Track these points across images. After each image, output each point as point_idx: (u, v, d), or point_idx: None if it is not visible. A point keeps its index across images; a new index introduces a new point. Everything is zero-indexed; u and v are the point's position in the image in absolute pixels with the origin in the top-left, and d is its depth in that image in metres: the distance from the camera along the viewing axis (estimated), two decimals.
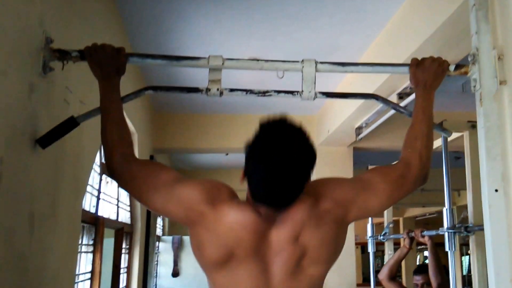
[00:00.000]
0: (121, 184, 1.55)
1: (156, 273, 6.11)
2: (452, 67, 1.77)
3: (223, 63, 1.67)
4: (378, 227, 4.17)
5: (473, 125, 2.67)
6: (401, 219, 12.47)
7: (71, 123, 1.61)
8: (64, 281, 2.01)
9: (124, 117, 1.59)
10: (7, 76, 1.36)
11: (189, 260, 6.29)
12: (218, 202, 1.40)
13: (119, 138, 1.53)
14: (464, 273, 11.89)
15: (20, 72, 1.46)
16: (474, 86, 1.76)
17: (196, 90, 1.72)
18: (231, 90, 1.72)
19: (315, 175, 1.45)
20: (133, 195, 1.59)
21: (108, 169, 1.54)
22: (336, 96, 1.88)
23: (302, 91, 1.70)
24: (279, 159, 1.27)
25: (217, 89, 1.68)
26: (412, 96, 3.12)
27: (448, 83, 3.69)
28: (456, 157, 5.36)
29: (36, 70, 1.56)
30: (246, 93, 1.63)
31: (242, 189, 1.45)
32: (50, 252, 1.78)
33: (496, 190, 1.77)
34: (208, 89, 1.69)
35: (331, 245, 1.43)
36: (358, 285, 5.90)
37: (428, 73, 1.67)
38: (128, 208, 4.08)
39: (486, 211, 1.78)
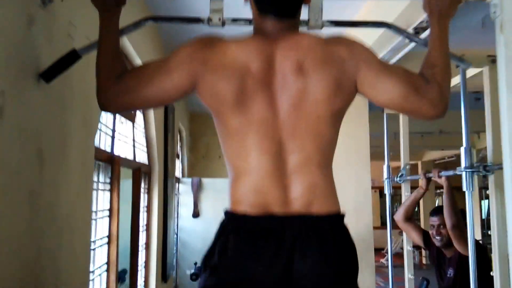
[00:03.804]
0: (118, 102, 1.44)
1: (177, 214, 6.20)
2: None
3: None
4: (394, 171, 4.09)
5: (493, 60, 2.54)
6: (419, 163, 12.40)
7: (73, 56, 1.55)
8: (79, 217, 2.01)
9: (120, 50, 1.49)
10: (3, 6, 1.29)
11: (209, 202, 6.36)
12: (215, 42, 1.39)
13: (113, 68, 1.43)
14: (484, 216, 11.88)
15: (17, 3, 1.39)
16: (494, 12, 1.64)
17: (197, 20, 1.64)
18: (234, 20, 1.64)
19: None
20: (136, 102, 1.46)
21: (102, 102, 1.43)
22: (345, 25, 1.76)
23: (309, 19, 1.61)
24: None
25: (219, 19, 1.60)
26: (429, 31, 2.98)
27: (467, 17, 3.52)
28: (476, 98, 5.20)
29: (35, 1, 1.49)
30: (250, 23, 1.53)
31: None
32: (63, 189, 1.77)
33: None
34: (209, 19, 1.61)
35: (333, 90, 1.36)
36: (376, 228, 5.93)
37: (442, 0, 1.54)
38: (145, 149, 4.07)
39: (506, 148, 1.70)
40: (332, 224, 1.35)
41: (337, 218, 1.37)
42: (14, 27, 1.37)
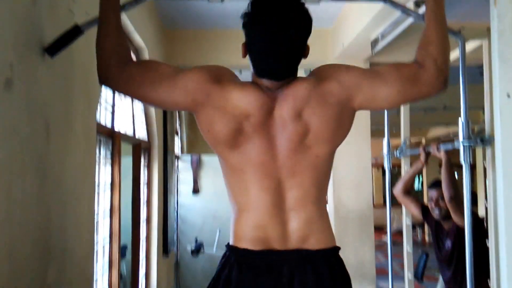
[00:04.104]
0: (119, 89, 1.55)
1: (177, 190, 6.31)
2: None
3: None
4: (395, 149, 4.16)
5: None
6: (423, 140, 12.43)
7: (75, 31, 1.64)
8: (84, 189, 2.13)
9: (121, 26, 1.57)
10: None
11: (208, 178, 6.47)
12: (223, 81, 1.48)
13: (116, 45, 1.51)
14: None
15: None
16: None
17: None
18: None
19: None
20: (134, 96, 1.57)
21: (101, 77, 1.52)
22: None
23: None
24: (275, 23, 1.37)
25: None
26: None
27: None
28: (481, 72, 5.23)
29: None
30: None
31: None
32: (68, 159, 1.87)
33: (508, 96, 1.77)
34: None
35: (333, 125, 1.48)
36: (378, 206, 6.01)
37: None
38: (145, 126, 4.16)
39: (497, 116, 1.78)
40: (328, 258, 1.49)
41: (332, 251, 1.51)
42: (20, 4, 1.46)
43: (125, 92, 1.57)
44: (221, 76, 1.49)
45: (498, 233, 2.30)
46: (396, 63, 1.57)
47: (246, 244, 1.47)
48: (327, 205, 4.61)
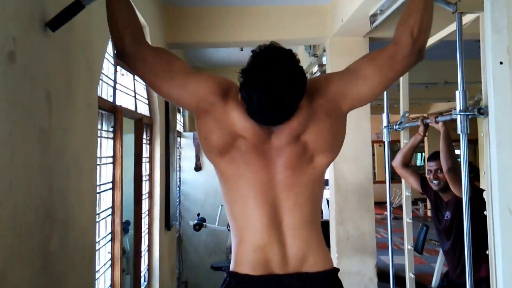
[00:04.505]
0: (133, 66, 1.61)
1: (179, 167, 6.37)
2: None
3: None
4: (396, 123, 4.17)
5: None
6: (426, 115, 12.41)
7: (77, 6, 1.67)
8: (86, 161, 2.17)
9: (131, 1, 1.62)
10: None
11: None
12: (228, 97, 1.52)
13: (128, 19, 1.57)
14: None
15: None
16: None
17: None
18: None
19: (330, 69, 1.45)
20: (145, 79, 1.64)
21: (119, 52, 1.60)
22: None
23: None
24: (271, 86, 1.36)
25: None
26: None
27: None
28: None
29: None
30: None
31: None
32: (69, 131, 1.92)
33: (501, 63, 1.80)
34: None
35: (328, 135, 1.53)
36: (381, 181, 6.01)
37: None
38: (146, 101, 4.19)
39: (490, 83, 1.81)
40: (327, 280, 1.52)
41: (331, 273, 1.54)
42: None
43: (137, 73, 1.64)
44: (228, 91, 1.53)
45: (492, 204, 2.35)
46: (372, 52, 1.62)
47: (246, 269, 1.50)
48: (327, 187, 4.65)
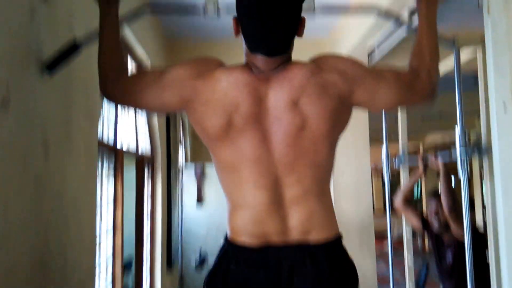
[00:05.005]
0: (117, 100, 1.54)
1: (181, 200, 6.25)
2: None
3: None
4: (395, 154, 4.11)
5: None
6: (421, 145, 12.35)
7: (73, 48, 1.60)
8: (85, 204, 2.06)
9: (119, 41, 1.54)
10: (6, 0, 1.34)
11: (212, 187, 6.39)
12: (208, 72, 1.40)
13: (113, 61, 1.51)
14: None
15: None
16: None
17: (193, 10, 1.67)
18: (229, 9, 1.65)
19: None
20: (132, 105, 1.54)
21: (102, 92, 1.53)
22: (336, 12, 1.79)
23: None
24: None
25: (214, 8, 1.64)
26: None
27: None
28: (476, 81, 5.18)
29: None
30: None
31: None
32: (68, 176, 1.82)
33: (505, 104, 1.71)
34: (205, 9, 1.65)
35: (331, 120, 1.38)
36: (379, 213, 5.92)
37: None
38: (148, 138, 4.12)
39: (494, 126, 1.73)
40: (329, 250, 1.39)
41: (334, 243, 1.41)
42: (17, 20, 1.41)
43: (122, 103, 1.54)
44: (206, 67, 1.42)
45: (498, 244, 2.26)
46: (396, 68, 1.51)
47: (244, 238, 1.38)
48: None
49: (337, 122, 1.41)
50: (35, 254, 1.50)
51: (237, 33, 1.41)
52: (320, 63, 1.41)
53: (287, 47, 1.39)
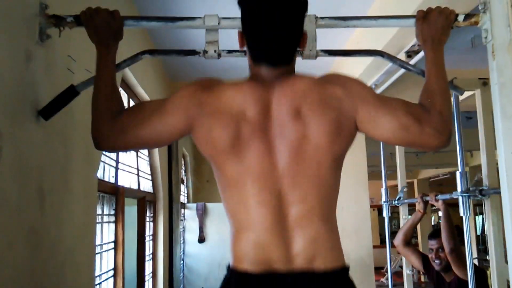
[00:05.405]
0: (115, 144, 1.37)
1: (183, 239, 6.09)
2: (461, 17, 1.58)
3: (219, 23, 1.53)
4: (392, 190, 4.01)
5: (484, 82, 2.46)
6: (415, 181, 12.28)
7: (71, 92, 1.49)
8: (83, 252, 1.92)
9: (116, 84, 1.43)
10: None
11: (214, 226, 6.25)
12: (212, 86, 1.33)
13: (110, 105, 1.37)
14: (478, 233, 11.68)
15: (14, 39, 1.32)
16: (486, 37, 1.58)
17: (193, 52, 1.58)
18: (229, 51, 1.59)
19: None
20: (132, 143, 1.39)
21: (98, 139, 1.35)
22: (339, 54, 1.71)
23: (303, 49, 1.54)
24: (271, 4, 1.27)
25: (215, 51, 1.55)
26: (421, 54, 2.90)
27: (457, 38, 3.47)
28: (468, 117, 5.12)
29: (32, 37, 1.43)
30: (245, 54, 1.47)
31: None
32: (65, 225, 1.68)
33: None
34: (205, 51, 1.55)
35: (331, 133, 1.26)
36: (375, 246, 5.81)
37: (435, 28, 1.48)
38: (150, 177, 4.00)
39: (503, 174, 1.60)
40: (336, 281, 1.26)
41: (341, 273, 1.28)
42: (12, 64, 1.31)
43: (121, 143, 1.37)
44: (210, 82, 1.34)
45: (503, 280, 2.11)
46: (408, 102, 1.38)
47: (246, 265, 1.24)
48: None
49: (338, 136, 1.28)
50: None
51: (241, 45, 1.38)
52: (326, 78, 1.35)
53: (290, 58, 1.36)
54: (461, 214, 2.50)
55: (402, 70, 3.41)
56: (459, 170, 2.53)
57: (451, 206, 3.11)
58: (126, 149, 1.45)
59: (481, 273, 2.98)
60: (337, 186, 1.33)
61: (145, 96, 3.42)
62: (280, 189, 1.26)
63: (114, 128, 1.34)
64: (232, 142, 1.26)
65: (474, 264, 2.57)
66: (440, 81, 1.42)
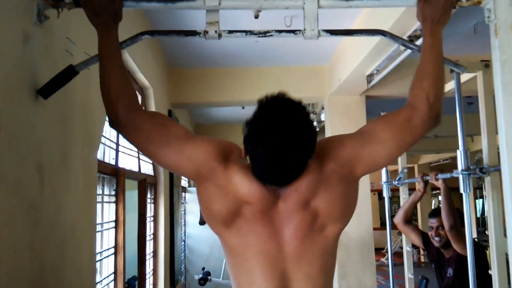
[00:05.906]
0: (127, 135, 1.40)
1: (184, 221, 6.12)
2: None
3: (219, 3, 1.50)
4: (393, 174, 4.02)
5: (486, 64, 2.47)
6: (415, 166, 12.31)
7: (70, 72, 1.48)
8: (84, 230, 1.93)
9: (124, 66, 1.43)
10: None
11: None
12: (229, 161, 1.31)
13: (122, 86, 1.38)
14: (478, 215, 11.73)
15: (11, 20, 1.31)
16: (488, 17, 1.57)
17: (194, 33, 1.55)
18: (230, 31, 1.55)
19: (328, 126, 1.26)
20: (139, 147, 1.44)
21: (111, 120, 1.39)
22: (341, 34, 1.68)
23: (305, 29, 1.52)
24: (278, 139, 1.16)
25: (215, 31, 1.52)
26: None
27: (459, 24, 3.45)
28: (469, 103, 5.11)
29: (31, 18, 1.42)
30: (246, 34, 1.45)
31: None
32: (65, 203, 1.69)
33: None
34: (206, 32, 1.53)
35: (341, 203, 1.31)
36: (375, 228, 5.85)
37: (436, 7, 1.46)
38: (150, 161, 4.00)
39: (504, 149, 1.61)
40: None
41: None
42: (10, 44, 1.30)
43: (131, 141, 1.41)
44: (228, 154, 1.32)
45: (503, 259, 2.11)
46: (387, 114, 1.43)
47: None
48: None
49: (348, 204, 1.34)
50: (29, 283, 1.37)
51: (244, 157, 1.30)
52: (319, 155, 1.30)
53: (297, 178, 1.26)
54: (461, 191, 2.51)
55: (404, 56, 3.41)
56: (460, 149, 2.53)
57: (452, 190, 3.11)
58: (131, 144, 1.45)
59: (480, 248, 3.00)
60: (336, 251, 1.38)
61: (145, 82, 3.40)
62: (284, 267, 1.28)
63: (130, 124, 1.36)
64: (231, 218, 1.28)
65: (474, 240, 2.59)
66: (435, 62, 1.42)
